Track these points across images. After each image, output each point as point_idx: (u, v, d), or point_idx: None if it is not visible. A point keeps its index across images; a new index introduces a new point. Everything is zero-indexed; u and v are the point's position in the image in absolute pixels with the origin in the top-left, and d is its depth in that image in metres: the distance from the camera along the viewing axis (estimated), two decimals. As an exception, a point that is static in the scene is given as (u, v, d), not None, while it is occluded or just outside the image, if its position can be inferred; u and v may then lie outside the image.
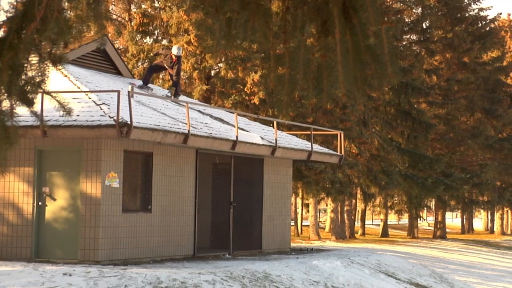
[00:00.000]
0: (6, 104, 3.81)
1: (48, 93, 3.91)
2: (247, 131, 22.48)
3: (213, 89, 36.03)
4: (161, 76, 36.23)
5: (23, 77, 3.71)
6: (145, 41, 37.48)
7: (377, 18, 3.19)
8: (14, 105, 3.85)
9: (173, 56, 22.55)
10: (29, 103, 3.87)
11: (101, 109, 17.69)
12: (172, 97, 22.59)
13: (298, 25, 3.28)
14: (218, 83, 35.74)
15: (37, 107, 4.02)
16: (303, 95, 3.42)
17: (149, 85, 23.35)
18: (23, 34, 3.60)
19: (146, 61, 36.35)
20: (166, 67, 22.91)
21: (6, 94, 3.65)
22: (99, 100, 18.18)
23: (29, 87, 3.78)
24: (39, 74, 3.73)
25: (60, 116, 17.06)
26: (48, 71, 3.87)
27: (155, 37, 37.62)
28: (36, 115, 4.14)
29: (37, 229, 17.98)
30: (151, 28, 36.47)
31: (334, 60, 3.23)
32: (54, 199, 18.03)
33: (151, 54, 32.48)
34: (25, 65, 3.71)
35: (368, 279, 18.89)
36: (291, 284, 16.71)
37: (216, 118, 23.01)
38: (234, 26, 3.29)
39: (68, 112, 3.88)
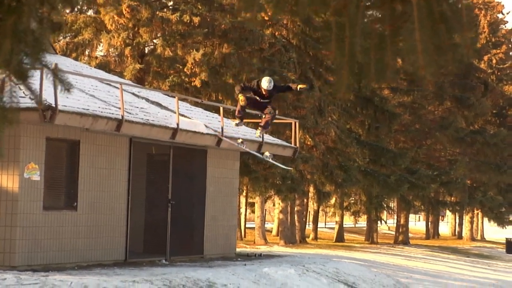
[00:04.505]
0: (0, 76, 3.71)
1: (46, 66, 3.83)
2: (189, 117, 22.41)
3: (148, 69, 35.79)
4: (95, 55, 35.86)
5: (21, 47, 3.62)
6: (67, 11, 37.03)
7: None
8: (9, 79, 3.76)
9: (263, 91, 20.74)
10: (24, 77, 3.77)
11: (20, 89, 17.41)
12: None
13: None
14: (153, 62, 35.49)
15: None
16: (363, 73, 3.37)
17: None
18: None
19: (69, 34, 35.94)
20: (257, 99, 21.01)
21: (5, 65, 3.55)
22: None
23: (26, 58, 3.68)
24: (38, 43, 3.63)
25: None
26: (48, 41, 3.78)
27: (79, 7, 37.19)
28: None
29: None
30: (75, -4, 36.00)
31: (404, 29, 3.19)
32: (-37, 194, 17.77)
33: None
34: (26, 32, 3.61)
35: (326, 290, 18.99)
36: (239, 295, 16.71)
37: (153, 102, 22.90)
38: None
39: (68, 88, 3.78)
